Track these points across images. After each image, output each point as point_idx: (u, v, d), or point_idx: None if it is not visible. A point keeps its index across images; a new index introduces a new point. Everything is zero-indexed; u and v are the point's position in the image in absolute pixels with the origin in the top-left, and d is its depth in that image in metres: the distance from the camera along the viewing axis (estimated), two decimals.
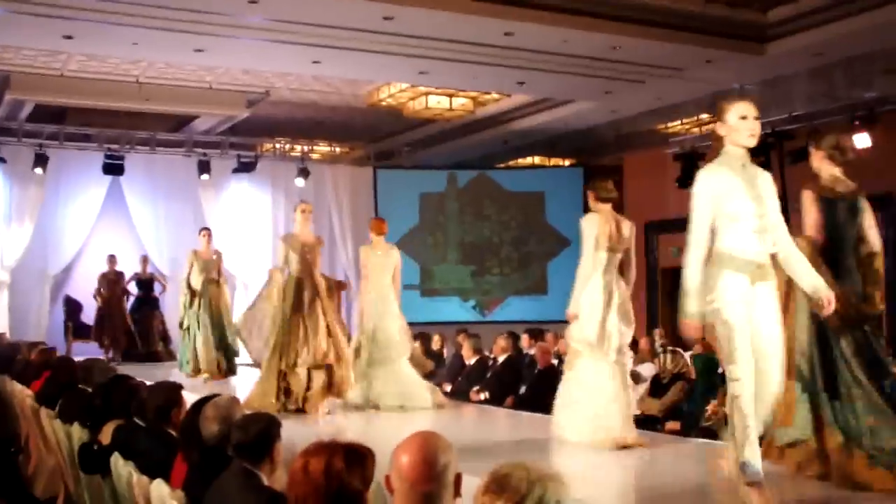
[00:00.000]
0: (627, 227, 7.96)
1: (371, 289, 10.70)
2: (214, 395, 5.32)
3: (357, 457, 3.36)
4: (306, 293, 10.12)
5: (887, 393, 5.96)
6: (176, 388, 6.27)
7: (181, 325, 14.55)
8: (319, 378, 9.95)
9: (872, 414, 5.87)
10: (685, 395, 10.80)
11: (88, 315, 17.59)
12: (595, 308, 7.77)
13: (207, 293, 14.33)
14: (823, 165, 6.55)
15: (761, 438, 5.56)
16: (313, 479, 3.28)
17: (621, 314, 7.83)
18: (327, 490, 3.27)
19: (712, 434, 8.82)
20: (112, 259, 17.60)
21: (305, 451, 3.38)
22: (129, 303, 17.63)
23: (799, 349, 6.09)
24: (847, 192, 6.49)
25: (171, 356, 16.86)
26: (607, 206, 8.01)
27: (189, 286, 14.35)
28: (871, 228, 6.49)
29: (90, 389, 7.69)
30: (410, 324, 11.11)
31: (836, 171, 6.52)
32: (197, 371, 14.02)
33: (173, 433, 5.75)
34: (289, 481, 3.35)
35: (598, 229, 7.79)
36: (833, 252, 6.30)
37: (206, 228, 15.18)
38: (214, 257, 14.65)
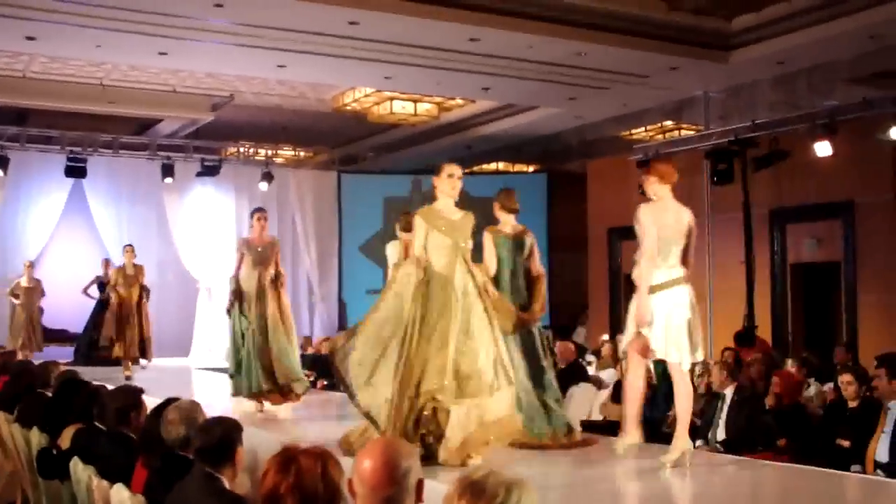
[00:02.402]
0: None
1: None
2: (175, 399, 5.31)
3: (328, 461, 3.36)
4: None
5: (542, 385, 8.02)
6: (136, 391, 6.25)
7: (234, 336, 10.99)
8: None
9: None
10: (647, 401, 10.82)
11: (48, 319, 17.43)
12: None
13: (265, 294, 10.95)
14: (501, 214, 8.51)
15: None
16: (297, 483, 3.27)
17: None
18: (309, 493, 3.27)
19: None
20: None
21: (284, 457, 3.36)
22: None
23: None
24: (515, 233, 8.43)
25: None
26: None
27: (237, 285, 10.89)
28: (535, 258, 8.45)
29: (49, 394, 7.64)
30: None
31: (510, 218, 8.48)
32: (258, 394, 10.57)
33: (133, 437, 5.72)
34: (266, 484, 3.33)
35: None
36: (506, 276, 8.30)
37: (261, 210, 11.44)
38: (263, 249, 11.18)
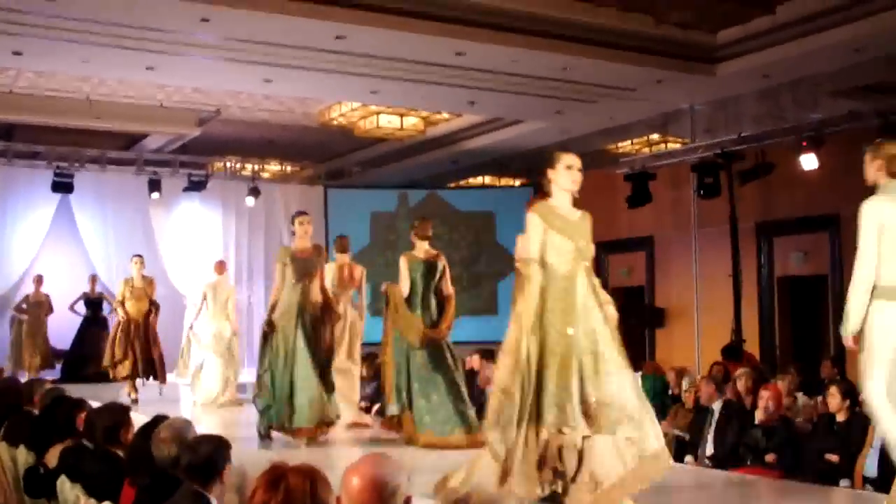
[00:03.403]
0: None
1: None
2: (164, 417, 5.28)
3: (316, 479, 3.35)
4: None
5: (453, 392, 9.18)
6: (124, 409, 6.23)
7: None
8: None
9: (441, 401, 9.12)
10: None
11: None
12: None
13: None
14: (415, 241, 9.65)
15: None
16: (285, 501, 3.26)
17: None
18: None
19: None
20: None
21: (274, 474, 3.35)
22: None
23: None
24: (428, 258, 9.60)
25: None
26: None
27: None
28: (446, 281, 9.62)
29: (36, 412, 7.61)
30: (362, 344, 11.26)
31: (424, 244, 9.65)
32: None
33: (121, 455, 5.70)
34: (254, 502, 3.31)
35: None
36: (419, 296, 9.42)
37: (303, 213, 10.32)
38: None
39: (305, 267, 9.54)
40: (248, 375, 15.00)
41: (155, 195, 18.63)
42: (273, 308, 9.59)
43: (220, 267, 14.71)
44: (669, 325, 18.72)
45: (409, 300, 9.46)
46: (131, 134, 19.29)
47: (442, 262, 9.68)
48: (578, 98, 15.70)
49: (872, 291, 5.66)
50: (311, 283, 9.57)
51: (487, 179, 23.59)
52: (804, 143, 13.78)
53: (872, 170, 6.23)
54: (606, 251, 20.09)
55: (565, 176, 6.42)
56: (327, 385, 9.54)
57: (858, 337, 5.64)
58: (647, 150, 19.45)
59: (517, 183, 22.97)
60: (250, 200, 19.41)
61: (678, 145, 18.12)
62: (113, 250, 18.82)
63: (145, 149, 19.77)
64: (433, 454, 8.56)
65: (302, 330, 9.40)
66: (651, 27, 12.98)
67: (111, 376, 13.74)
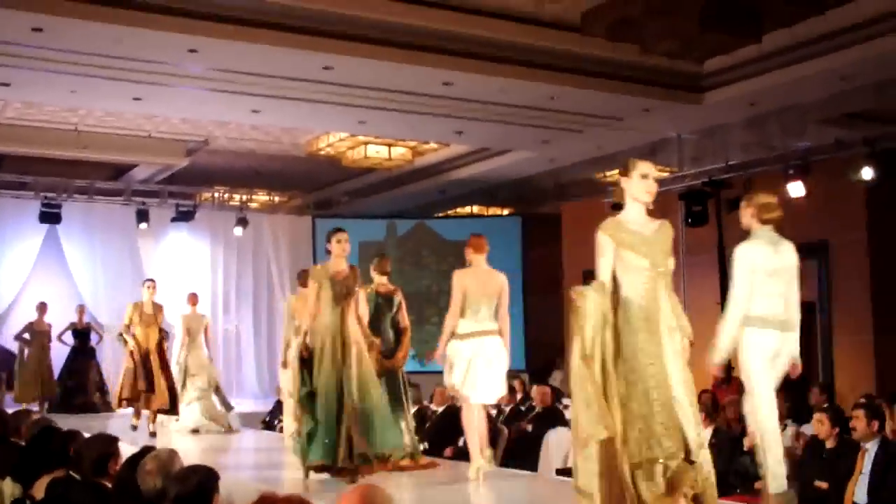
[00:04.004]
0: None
1: None
2: (151, 448, 5.26)
3: None
4: None
5: (401, 419, 9.67)
6: (112, 440, 6.18)
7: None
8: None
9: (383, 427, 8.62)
10: None
11: None
12: None
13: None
14: (375, 276, 10.32)
15: None
16: None
17: None
18: None
19: None
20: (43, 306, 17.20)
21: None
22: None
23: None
24: (386, 292, 10.30)
25: (107, 407, 16.61)
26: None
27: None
28: (403, 313, 10.36)
29: (22, 443, 7.56)
30: None
31: (383, 279, 10.33)
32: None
33: (109, 486, 5.66)
34: None
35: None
36: (378, 325, 9.95)
37: (340, 230, 9.14)
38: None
39: (344, 289, 8.75)
40: (236, 404, 15.12)
41: (143, 225, 18.60)
42: (306, 334, 8.64)
43: (194, 299, 14.78)
44: None
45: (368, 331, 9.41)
46: (119, 164, 19.30)
47: (398, 297, 10.38)
48: (566, 127, 15.75)
49: (745, 321, 6.70)
50: (348, 307, 8.78)
51: (475, 209, 23.64)
52: (791, 171, 13.82)
53: (747, 216, 6.87)
54: (593, 279, 20.09)
55: (640, 186, 5.89)
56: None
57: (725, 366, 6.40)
58: None
59: (505, 212, 23.02)
60: (238, 230, 19.39)
61: (666, 174, 18.17)
62: (101, 281, 18.79)
63: (133, 179, 19.77)
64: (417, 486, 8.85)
65: (344, 357, 8.58)
66: (638, 56, 13.02)
67: (134, 408, 13.07)
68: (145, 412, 12.99)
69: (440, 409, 13.49)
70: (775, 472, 6.67)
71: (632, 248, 5.79)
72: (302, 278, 11.75)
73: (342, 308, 8.70)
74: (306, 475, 8.48)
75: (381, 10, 11.70)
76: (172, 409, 13.13)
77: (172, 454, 5.16)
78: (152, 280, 13.65)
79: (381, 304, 10.19)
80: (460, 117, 15.07)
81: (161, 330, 13.25)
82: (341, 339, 8.61)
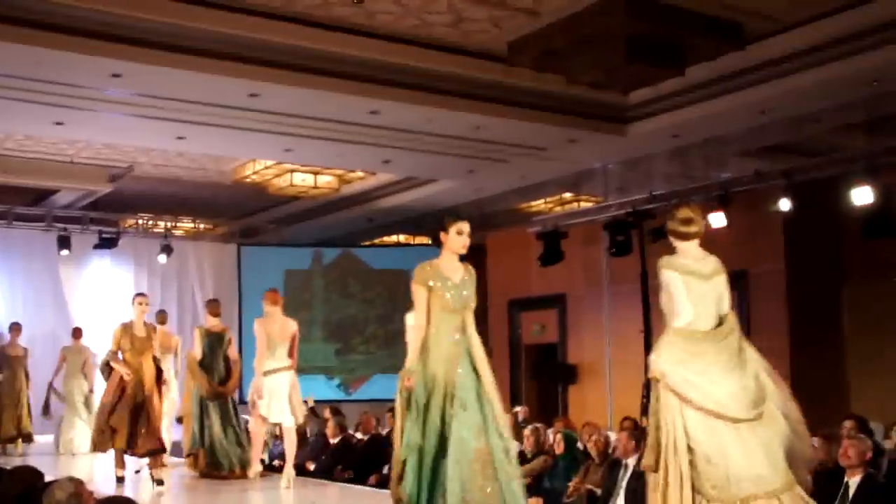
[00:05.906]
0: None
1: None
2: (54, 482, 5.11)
3: None
4: None
5: (233, 436, 11.74)
6: (36, 473, 5.95)
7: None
8: None
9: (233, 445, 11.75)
10: (548, 469, 10.88)
11: None
12: None
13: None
14: (208, 318, 12.24)
15: None
16: None
17: None
18: None
19: None
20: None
21: None
22: None
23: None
24: (217, 330, 12.05)
25: (27, 438, 15.83)
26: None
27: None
28: (232, 348, 12.08)
29: None
30: None
31: (216, 320, 12.13)
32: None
33: None
34: None
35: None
36: (209, 361, 11.88)
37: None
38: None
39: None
40: None
41: (64, 252, 18.30)
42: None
43: (78, 332, 16.20)
44: (581, 381, 18.81)
45: (201, 363, 11.82)
46: (40, 189, 19.01)
47: (228, 335, 12.16)
48: (491, 157, 15.84)
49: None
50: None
51: (402, 238, 23.66)
52: (713, 202, 14.01)
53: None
54: (519, 308, 20.22)
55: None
56: None
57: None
58: (559, 208, 19.66)
59: (431, 241, 23.03)
60: (162, 258, 19.19)
61: (591, 204, 18.33)
62: (21, 308, 18.42)
63: (55, 205, 19.49)
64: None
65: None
66: (564, 87, 13.15)
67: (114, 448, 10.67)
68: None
69: (366, 438, 13.49)
70: None
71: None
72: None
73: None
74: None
75: (307, 37, 11.67)
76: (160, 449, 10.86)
77: (77, 482, 5.00)
78: (143, 295, 11.53)
79: (213, 342, 11.98)
80: (387, 146, 15.09)
81: (155, 358, 10.99)
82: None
